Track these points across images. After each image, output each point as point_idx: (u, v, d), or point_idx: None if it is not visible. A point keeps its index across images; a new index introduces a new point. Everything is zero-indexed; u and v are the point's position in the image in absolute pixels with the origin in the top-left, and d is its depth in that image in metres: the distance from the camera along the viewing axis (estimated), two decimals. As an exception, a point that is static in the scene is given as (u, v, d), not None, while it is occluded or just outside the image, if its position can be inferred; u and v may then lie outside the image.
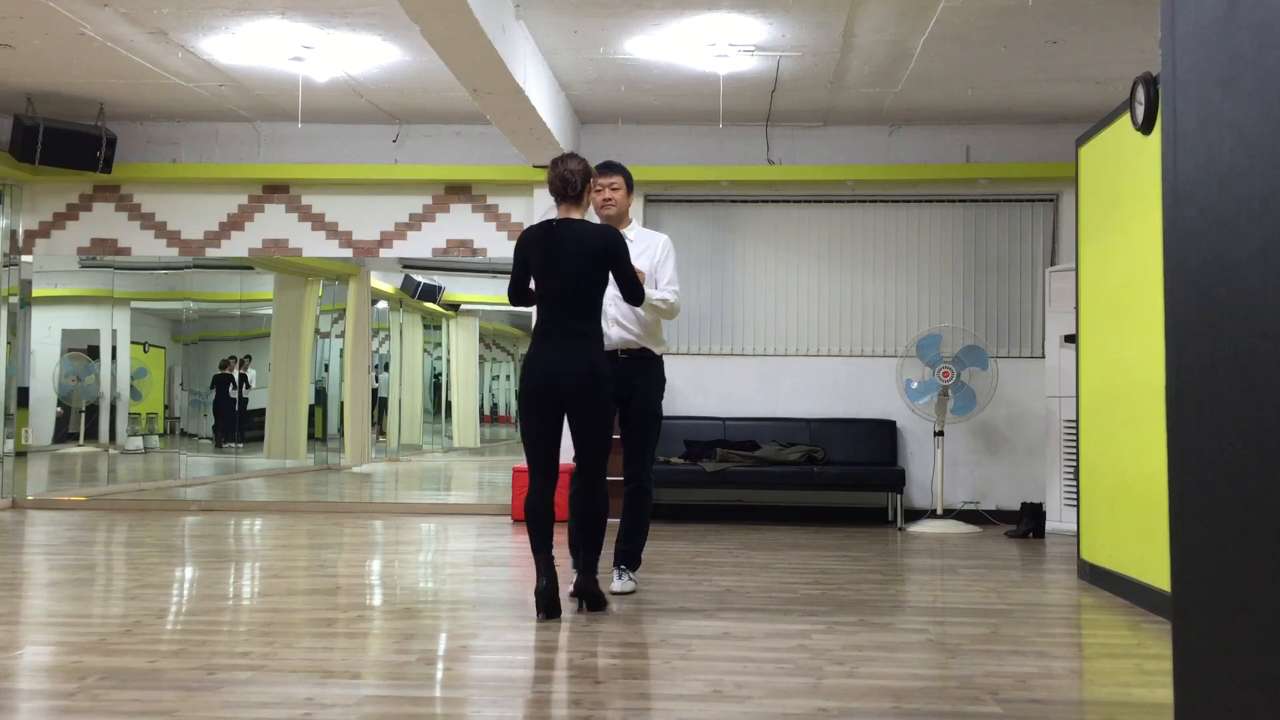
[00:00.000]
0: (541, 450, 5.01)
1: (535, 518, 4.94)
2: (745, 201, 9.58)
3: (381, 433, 13.05)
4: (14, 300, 9.84)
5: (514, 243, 5.44)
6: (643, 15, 6.95)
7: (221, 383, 12.11)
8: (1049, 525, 8.47)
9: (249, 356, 12.21)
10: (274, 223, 9.72)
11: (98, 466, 11.84)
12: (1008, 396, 9.24)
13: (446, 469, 13.31)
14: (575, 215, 5.15)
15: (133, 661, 3.99)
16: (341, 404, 12.55)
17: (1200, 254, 1.99)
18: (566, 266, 5.00)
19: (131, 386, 11.87)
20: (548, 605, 4.83)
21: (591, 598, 5.06)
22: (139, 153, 9.67)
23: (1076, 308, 6.50)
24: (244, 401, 12.20)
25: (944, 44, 7.36)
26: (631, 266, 5.13)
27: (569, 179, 5.11)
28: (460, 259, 9.75)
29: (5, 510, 9.45)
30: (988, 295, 9.42)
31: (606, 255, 5.03)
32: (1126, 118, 5.58)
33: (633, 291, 5.13)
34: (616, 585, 5.50)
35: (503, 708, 3.47)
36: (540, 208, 9.34)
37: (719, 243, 9.58)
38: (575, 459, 5.15)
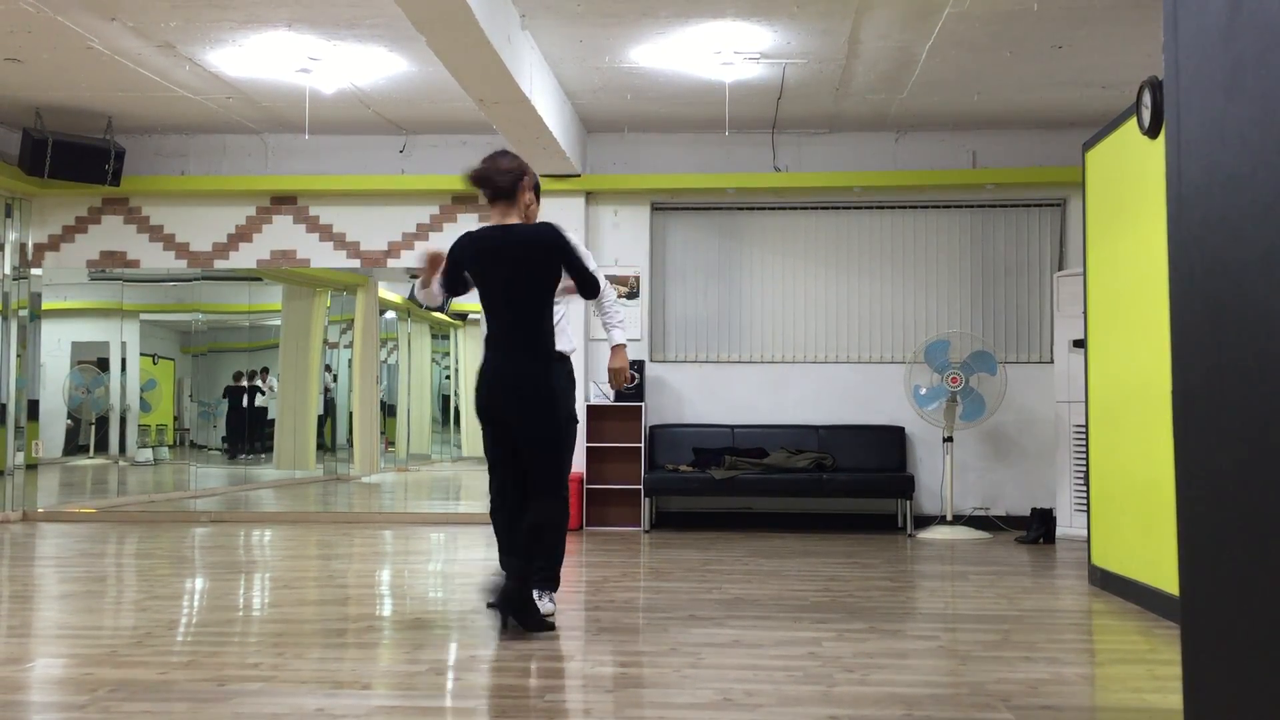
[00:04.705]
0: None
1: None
2: (752, 209, 9.59)
3: (390, 443, 13.07)
4: (23, 313, 9.87)
5: None
6: (648, 24, 6.96)
7: (234, 394, 12.14)
8: (1059, 530, 8.45)
9: (265, 369, 12.24)
10: (282, 234, 9.75)
11: (108, 478, 11.87)
12: (1017, 402, 9.23)
13: (455, 478, 13.32)
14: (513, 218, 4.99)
15: (144, 673, 4.00)
16: (350, 414, 12.57)
17: (1205, 258, 1.99)
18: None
19: (141, 398, 11.90)
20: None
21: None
22: (147, 165, 9.71)
23: (1085, 312, 6.49)
24: (256, 412, 12.22)
25: (949, 50, 7.37)
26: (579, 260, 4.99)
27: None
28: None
29: (16, 523, 9.47)
30: (995, 301, 9.41)
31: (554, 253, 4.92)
32: (1133, 122, 5.57)
33: (587, 284, 4.99)
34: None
35: (514, 717, 3.47)
36: (547, 216, 9.33)
37: (726, 250, 9.59)
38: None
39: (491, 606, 4.87)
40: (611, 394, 9.23)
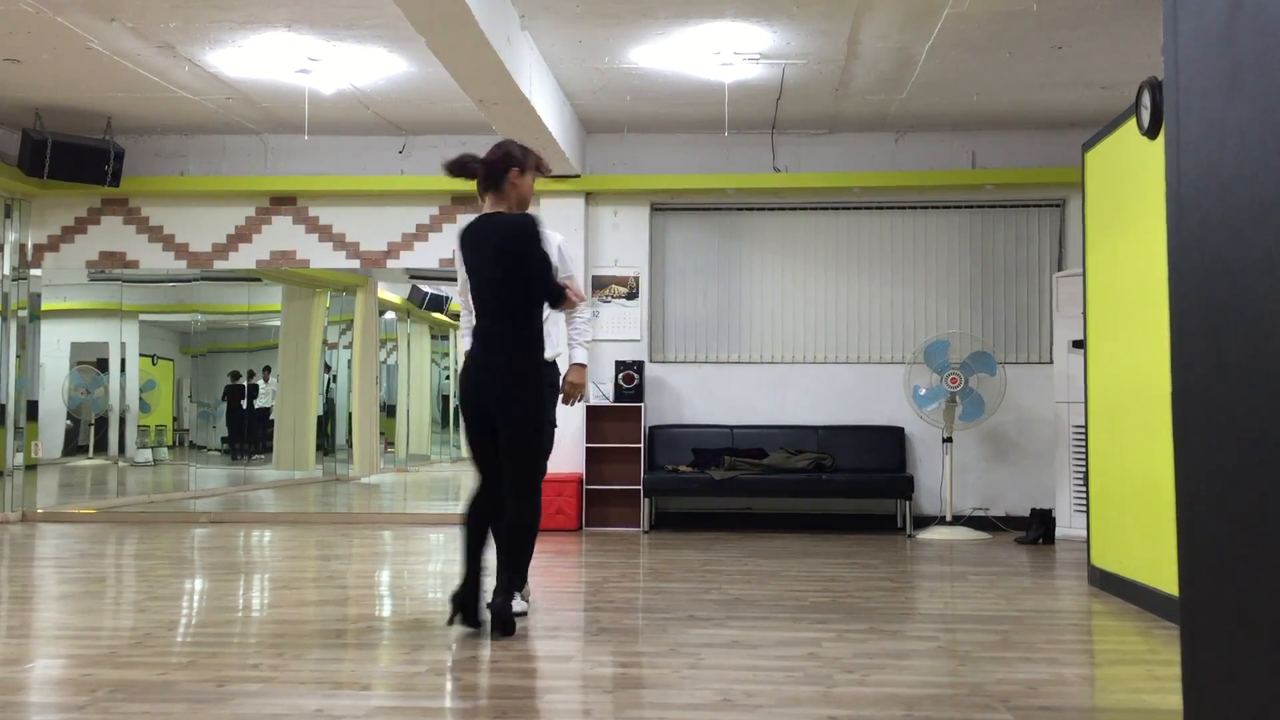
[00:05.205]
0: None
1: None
2: (751, 209, 9.59)
3: (389, 443, 13.07)
4: (23, 314, 9.87)
5: None
6: (647, 24, 6.96)
7: (232, 394, 12.15)
8: (1059, 531, 8.45)
9: (267, 368, 12.25)
10: (281, 234, 9.75)
11: (107, 479, 11.87)
12: (1016, 402, 9.23)
13: (455, 479, 13.33)
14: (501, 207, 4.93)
15: (143, 674, 4.00)
16: (350, 414, 12.58)
17: (1204, 259, 1.99)
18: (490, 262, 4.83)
19: (140, 399, 11.90)
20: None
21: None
22: (147, 166, 9.71)
23: (1084, 313, 6.49)
24: (254, 412, 12.23)
25: (949, 50, 7.37)
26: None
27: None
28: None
29: (16, 523, 9.47)
30: (995, 301, 9.41)
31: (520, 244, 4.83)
32: (1132, 122, 5.57)
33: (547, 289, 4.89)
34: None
35: (513, 717, 3.47)
36: (547, 217, 9.36)
37: (725, 251, 9.59)
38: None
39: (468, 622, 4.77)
40: (611, 394, 9.24)
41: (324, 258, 9.74)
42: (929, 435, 9.26)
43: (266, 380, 12.20)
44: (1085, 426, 6.51)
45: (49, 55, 7.57)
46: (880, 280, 9.49)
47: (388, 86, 8.26)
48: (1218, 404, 1.95)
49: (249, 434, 12.32)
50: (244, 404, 12.20)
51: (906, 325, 9.46)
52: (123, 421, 11.77)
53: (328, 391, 12.69)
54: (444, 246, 9.60)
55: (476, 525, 4.84)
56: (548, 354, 5.09)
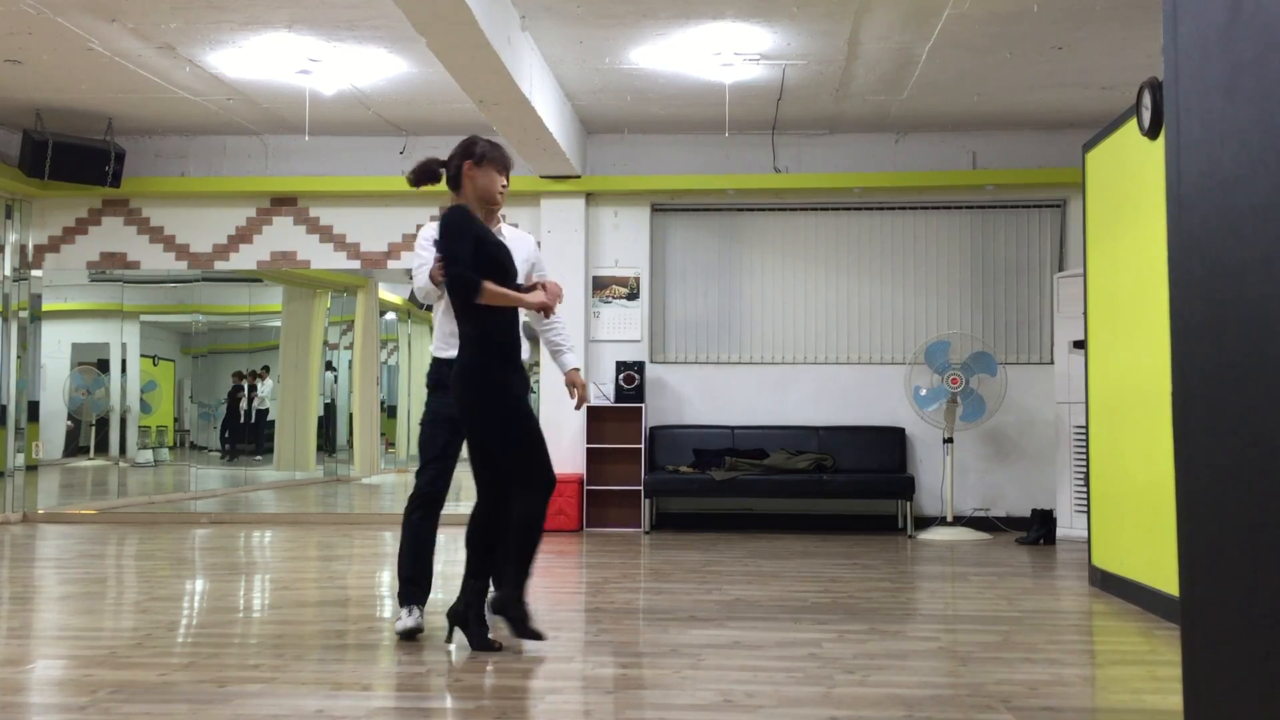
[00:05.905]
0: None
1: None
2: (752, 210, 9.59)
3: (390, 444, 13.07)
4: (24, 314, 9.88)
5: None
6: (648, 25, 6.96)
7: (232, 395, 12.15)
8: (1060, 531, 8.45)
9: (265, 368, 12.25)
10: (282, 235, 9.75)
11: (108, 480, 11.87)
12: (1017, 403, 9.23)
13: (455, 479, 13.29)
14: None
15: (144, 675, 4.00)
16: (350, 415, 12.58)
17: (1205, 260, 1.99)
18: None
19: (141, 400, 11.90)
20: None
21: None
22: (147, 167, 9.71)
23: (1085, 313, 6.49)
24: (254, 413, 12.23)
25: (949, 51, 7.37)
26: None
27: None
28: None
29: (16, 524, 9.47)
30: (996, 301, 9.41)
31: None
32: (1133, 123, 5.57)
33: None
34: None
35: (513, 718, 3.48)
36: (547, 217, 9.36)
37: (726, 251, 9.59)
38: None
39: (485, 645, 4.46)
40: (611, 395, 9.24)
41: (324, 258, 9.74)
42: (930, 436, 9.26)
43: (264, 380, 12.20)
44: (1086, 427, 6.51)
45: (50, 56, 7.57)
46: (881, 281, 9.49)
47: (388, 87, 8.27)
48: (1218, 404, 1.95)
49: (249, 435, 12.32)
50: (244, 405, 12.21)
51: (907, 326, 9.46)
52: (123, 422, 11.78)
53: (329, 392, 12.69)
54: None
55: (490, 534, 4.55)
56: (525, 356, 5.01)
